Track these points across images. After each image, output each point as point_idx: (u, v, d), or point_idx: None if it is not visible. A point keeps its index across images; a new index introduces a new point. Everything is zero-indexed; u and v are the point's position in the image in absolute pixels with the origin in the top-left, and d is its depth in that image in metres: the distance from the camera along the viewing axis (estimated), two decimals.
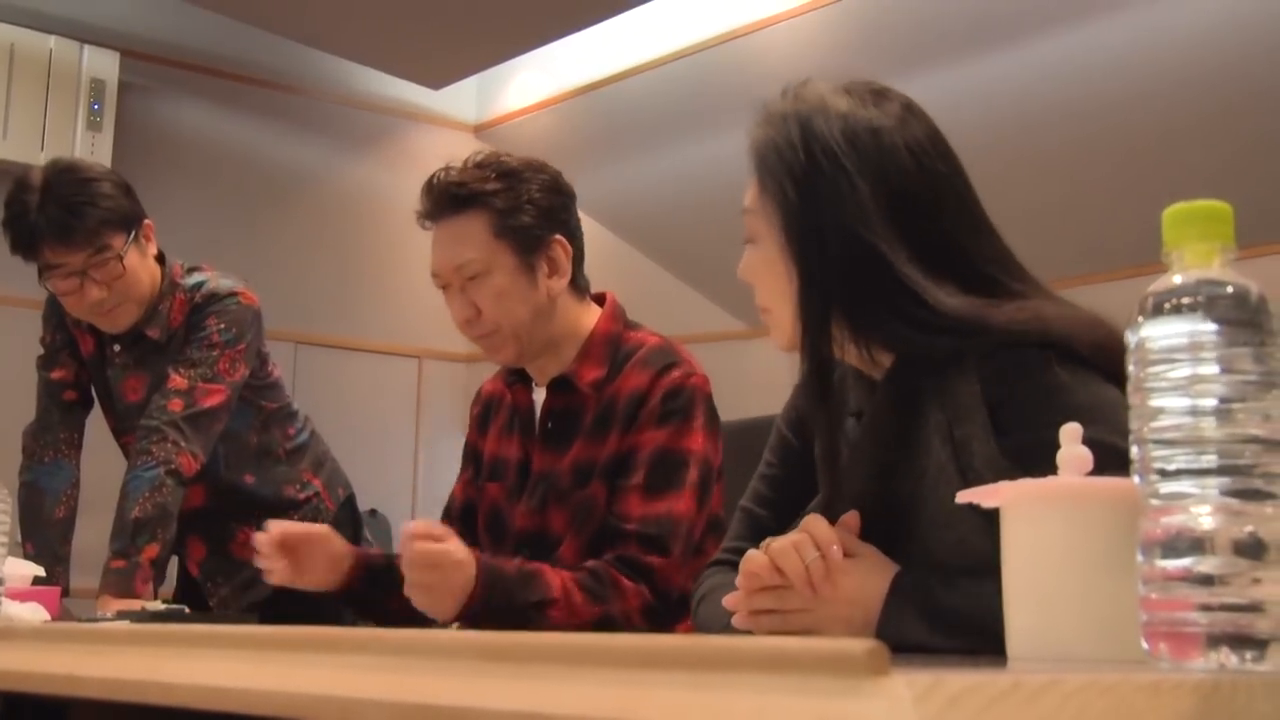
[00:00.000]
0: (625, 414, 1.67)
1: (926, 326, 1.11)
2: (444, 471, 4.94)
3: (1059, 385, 1.05)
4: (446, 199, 1.72)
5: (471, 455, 1.88)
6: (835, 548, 1.07)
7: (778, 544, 1.08)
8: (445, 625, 1.58)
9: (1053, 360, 1.06)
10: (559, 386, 1.73)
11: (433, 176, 1.74)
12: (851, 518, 1.12)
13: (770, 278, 1.21)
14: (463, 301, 1.71)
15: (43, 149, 3.92)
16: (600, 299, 1.80)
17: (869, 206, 1.13)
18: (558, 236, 1.72)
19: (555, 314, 1.73)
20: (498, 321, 1.70)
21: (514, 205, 1.69)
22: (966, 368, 1.10)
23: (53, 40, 4.03)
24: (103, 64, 4.08)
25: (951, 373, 1.11)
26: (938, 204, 1.16)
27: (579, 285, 1.77)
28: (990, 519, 0.92)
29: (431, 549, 1.49)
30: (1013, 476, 0.93)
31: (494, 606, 1.52)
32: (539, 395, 1.78)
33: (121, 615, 1.51)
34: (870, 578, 1.07)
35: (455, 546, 1.51)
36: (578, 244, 1.76)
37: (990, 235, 1.18)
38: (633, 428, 1.65)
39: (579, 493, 1.67)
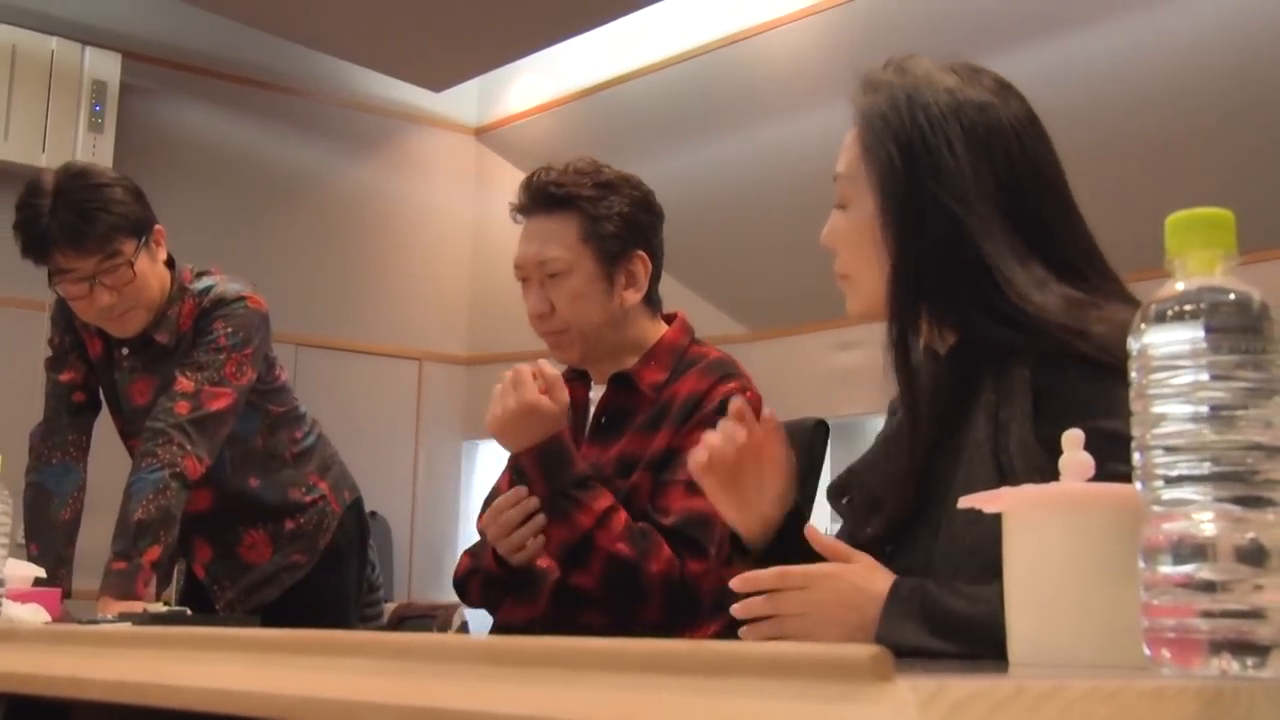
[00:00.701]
0: (679, 414, 1.70)
1: (998, 315, 1.12)
2: (444, 473, 4.95)
3: (1101, 381, 1.05)
4: (543, 197, 1.76)
5: None
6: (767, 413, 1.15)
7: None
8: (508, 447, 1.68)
9: (1101, 364, 1.06)
10: (619, 383, 1.77)
11: (532, 174, 1.80)
12: (812, 532, 1.13)
13: (856, 244, 1.21)
14: (539, 297, 1.77)
15: (44, 150, 3.93)
16: (670, 318, 1.86)
17: (970, 183, 1.14)
18: (640, 252, 1.78)
19: (625, 324, 1.78)
20: (569, 322, 1.76)
21: (605, 214, 1.75)
22: (1024, 359, 1.12)
23: (54, 42, 4.03)
24: (104, 66, 4.09)
25: (1011, 360, 1.12)
26: (1036, 186, 1.17)
27: (652, 301, 1.82)
28: None
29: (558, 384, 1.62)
30: (1043, 463, 0.96)
31: (540, 463, 1.62)
32: (595, 395, 1.82)
33: (123, 617, 1.51)
34: (868, 581, 1.07)
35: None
36: (658, 262, 1.82)
37: (1080, 223, 1.19)
38: (685, 427, 1.68)
39: (620, 482, 1.69)
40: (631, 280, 1.77)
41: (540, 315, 1.77)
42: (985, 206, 1.13)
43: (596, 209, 1.74)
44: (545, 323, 1.77)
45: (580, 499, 1.62)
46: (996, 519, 0.87)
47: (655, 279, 1.82)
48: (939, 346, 1.22)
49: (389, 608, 3.88)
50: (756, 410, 1.66)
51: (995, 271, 1.12)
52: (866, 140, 1.19)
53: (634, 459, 1.70)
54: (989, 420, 1.11)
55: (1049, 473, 0.87)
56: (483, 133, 5.02)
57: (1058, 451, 0.89)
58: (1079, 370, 1.07)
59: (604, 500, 1.63)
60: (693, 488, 1.63)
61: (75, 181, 2.07)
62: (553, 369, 1.64)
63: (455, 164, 5.00)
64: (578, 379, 1.84)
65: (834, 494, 1.24)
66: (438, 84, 4.61)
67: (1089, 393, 1.04)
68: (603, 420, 1.77)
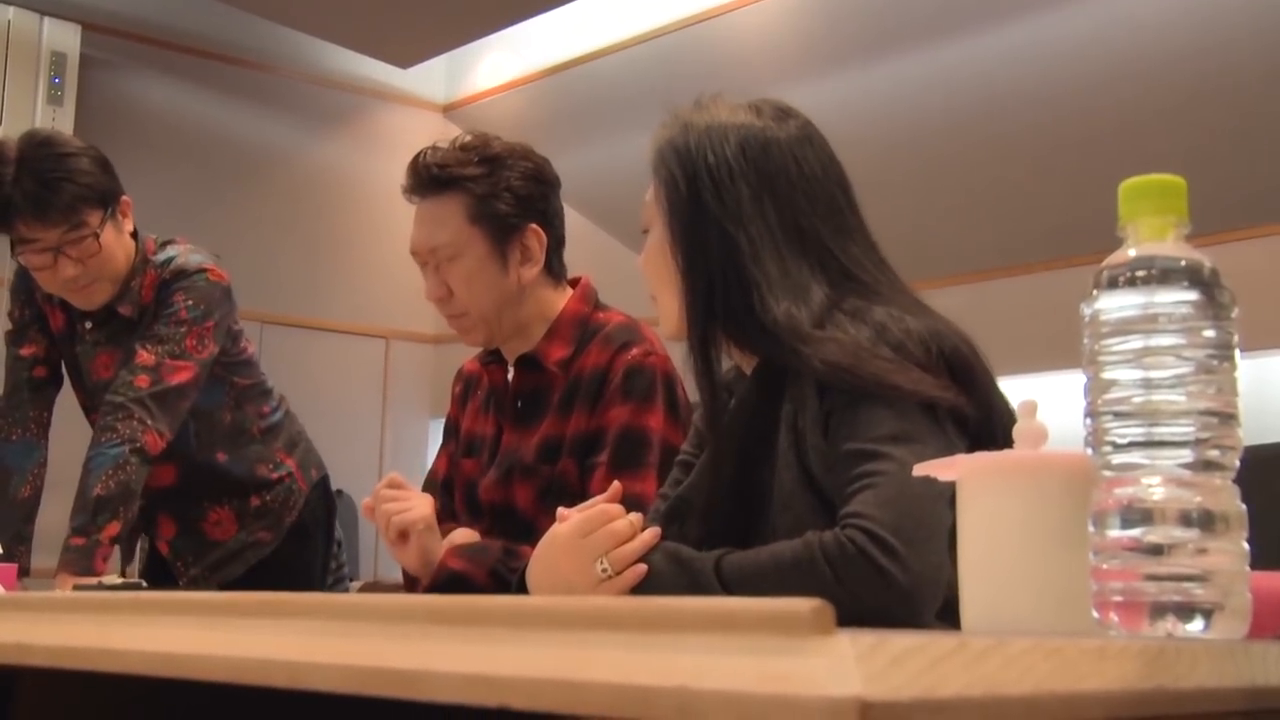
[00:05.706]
0: (589, 390, 1.68)
1: (761, 330, 1.20)
2: (410, 452, 4.93)
3: (856, 407, 1.14)
4: (427, 179, 1.73)
5: (452, 431, 1.90)
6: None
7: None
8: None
9: (855, 390, 1.14)
10: (526, 365, 1.75)
11: (419, 154, 1.76)
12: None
13: (656, 266, 1.29)
14: (436, 280, 1.74)
15: (1, 123, 3.87)
16: (575, 283, 1.82)
17: (745, 204, 1.22)
18: (533, 225, 1.74)
19: (526, 300, 1.75)
20: (467, 305, 1.73)
21: (492, 192, 1.71)
22: (805, 371, 1.18)
23: (11, 11, 3.97)
24: (63, 37, 4.02)
25: (802, 372, 1.19)
26: (814, 204, 1.24)
27: (554, 271, 1.79)
28: (824, 500, 1.11)
29: (406, 518, 1.61)
30: (830, 473, 1.12)
31: (474, 560, 1.61)
32: (513, 375, 1.79)
33: (77, 589, 1.49)
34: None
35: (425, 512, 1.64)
36: (555, 232, 1.78)
37: (863, 234, 1.27)
38: (599, 405, 1.67)
39: (547, 469, 1.68)
40: (527, 255, 1.74)
41: (439, 299, 1.75)
42: (758, 226, 1.21)
43: (482, 187, 1.71)
44: (445, 306, 1.75)
45: (517, 567, 1.63)
46: (819, 518, 1.01)
47: (556, 249, 1.78)
48: (746, 366, 1.28)
49: (354, 585, 3.87)
50: (663, 367, 1.69)
51: (754, 288, 1.20)
52: (655, 167, 1.28)
53: (556, 442, 1.69)
54: (789, 430, 1.18)
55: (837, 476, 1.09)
56: (451, 110, 4.99)
57: (830, 467, 1.09)
58: (845, 397, 1.14)
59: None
60: (614, 467, 1.63)
61: (39, 150, 2.03)
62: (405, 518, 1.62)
63: (423, 141, 4.88)
64: (494, 362, 1.81)
65: (667, 523, 1.25)
66: (405, 60, 4.57)
67: (848, 421, 1.13)
68: (519, 405, 1.75)
